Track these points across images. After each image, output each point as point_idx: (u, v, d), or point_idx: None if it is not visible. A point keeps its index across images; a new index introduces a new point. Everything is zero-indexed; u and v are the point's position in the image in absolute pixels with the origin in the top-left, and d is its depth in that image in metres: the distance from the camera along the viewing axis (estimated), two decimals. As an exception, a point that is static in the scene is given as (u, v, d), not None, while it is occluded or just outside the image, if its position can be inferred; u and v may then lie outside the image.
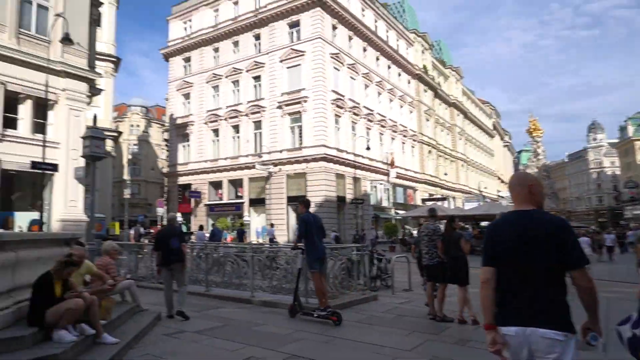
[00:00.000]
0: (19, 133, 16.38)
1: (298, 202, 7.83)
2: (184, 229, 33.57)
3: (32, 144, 15.90)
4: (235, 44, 36.57)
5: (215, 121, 36.59)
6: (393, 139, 41.66)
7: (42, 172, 15.65)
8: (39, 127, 16.61)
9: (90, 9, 18.90)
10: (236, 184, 35.08)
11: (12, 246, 5.03)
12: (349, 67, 35.18)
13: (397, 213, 39.45)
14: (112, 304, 5.85)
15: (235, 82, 36.06)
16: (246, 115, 34.73)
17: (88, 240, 11.40)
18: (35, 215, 16.13)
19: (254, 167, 32.55)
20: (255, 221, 33.15)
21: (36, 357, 4.12)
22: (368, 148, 33.72)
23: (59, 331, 4.61)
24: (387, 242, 31.24)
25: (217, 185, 36.21)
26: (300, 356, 5.12)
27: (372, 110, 37.85)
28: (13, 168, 15.92)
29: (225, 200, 35.41)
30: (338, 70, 33.79)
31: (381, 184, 37.65)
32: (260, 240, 29.75)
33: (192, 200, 36.53)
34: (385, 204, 38.35)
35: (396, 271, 11.10)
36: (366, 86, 37.87)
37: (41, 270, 4.96)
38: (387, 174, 38.01)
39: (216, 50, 37.70)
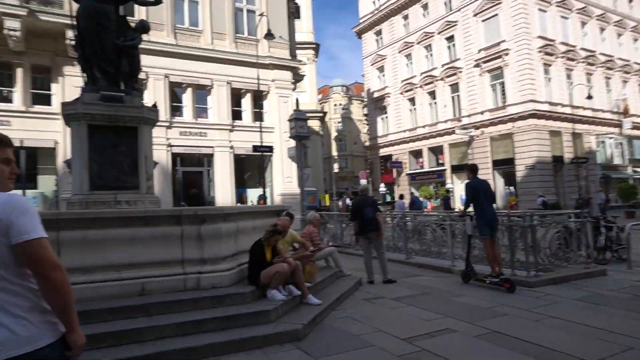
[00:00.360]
0: (244, 122, 19.40)
1: (465, 168, 7.80)
2: (388, 198, 34.73)
3: (253, 131, 18.58)
4: (425, 7, 35.18)
5: (411, 90, 36.23)
6: (625, 82, 33.98)
7: (262, 154, 18.15)
8: (257, 115, 19.33)
9: (288, 4, 20.75)
10: (436, 151, 34.27)
11: (234, 218, 5.96)
12: (557, 5, 29.91)
13: (635, 171, 32.40)
14: (315, 269, 6.39)
15: (428, 47, 34.83)
16: (441, 79, 33.30)
17: (302, 211, 12.80)
18: (261, 191, 18.99)
19: (453, 132, 31.14)
20: (458, 188, 31.89)
21: (253, 310, 4.81)
22: (590, 97, 28.29)
23: (271, 291, 5.27)
24: (623, 207, 25.95)
25: (417, 154, 36.07)
26: (500, 333, 4.64)
27: (592, 52, 31.50)
28: (242, 152, 19.00)
29: (426, 169, 35.05)
30: (544, 11, 29.08)
31: (611, 137, 31.42)
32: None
33: (394, 170, 37.31)
34: (617, 161, 31.95)
35: (635, 242, 9.07)
36: (583, 23, 31.64)
37: (257, 238, 5.75)
38: (619, 125, 31.40)
39: (405, 17, 37.02)
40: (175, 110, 18.43)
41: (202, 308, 4.79)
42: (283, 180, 19.50)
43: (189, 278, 5.19)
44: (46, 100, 16.07)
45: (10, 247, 1.52)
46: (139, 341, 4.12)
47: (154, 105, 7.30)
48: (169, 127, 17.60)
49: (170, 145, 17.67)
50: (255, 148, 17.58)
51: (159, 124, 16.64)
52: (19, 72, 15.59)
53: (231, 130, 18.93)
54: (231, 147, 18.85)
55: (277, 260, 5.47)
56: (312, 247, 7.07)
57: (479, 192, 6.93)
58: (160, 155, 17.18)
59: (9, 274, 1.54)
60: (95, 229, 4.87)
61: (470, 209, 7.24)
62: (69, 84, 15.31)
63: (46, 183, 16.08)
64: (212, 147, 18.58)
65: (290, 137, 13.58)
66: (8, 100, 15.69)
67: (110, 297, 4.71)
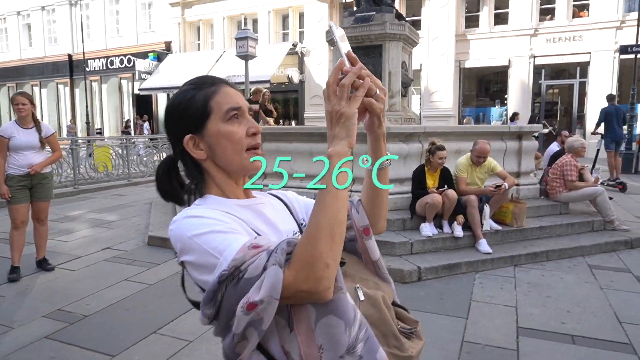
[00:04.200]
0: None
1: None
2: None
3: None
4: None
5: None
6: None
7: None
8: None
9: None
10: None
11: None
12: None
13: None
14: (521, 210, 4.83)
15: None
16: None
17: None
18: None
19: None
20: None
21: (401, 241, 4.43)
22: None
23: (424, 223, 4.61)
24: None
25: None
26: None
27: None
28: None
29: None
30: None
31: None
32: None
33: None
34: None
35: None
36: None
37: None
38: None
39: None
40: (544, 13, 15.90)
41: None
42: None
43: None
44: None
45: None
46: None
47: (400, 18, 7.07)
48: (533, 35, 15.58)
49: (533, 56, 15.70)
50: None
51: (520, 33, 15.39)
52: None
53: (619, 28, 14.60)
54: (616, 51, 14.64)
55: (432, 190, 4.63)
56: (573, 181, 5.36)
57: (612, 116, 9.35)
58: (521, 67, 15.70)
59: None
60: (286, 141, 5.75)
61: None
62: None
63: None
64: (588, 52, 15.09)
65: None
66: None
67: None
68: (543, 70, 16.03)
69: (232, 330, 0.78)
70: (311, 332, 0.81)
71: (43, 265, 4.44)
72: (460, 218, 4.57)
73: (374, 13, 7.06)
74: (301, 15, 18.45)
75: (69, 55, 22.67)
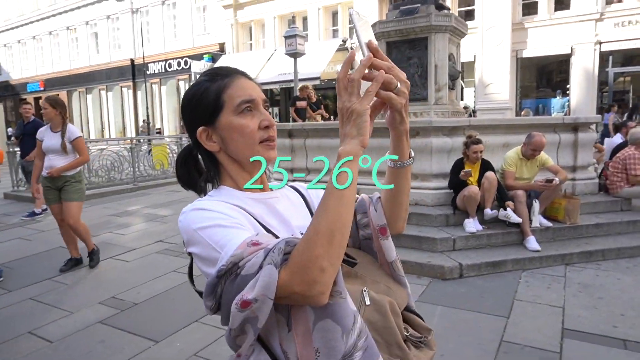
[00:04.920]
0: None
1: None
2: None
3: None
4: None
5: None
6: None
7: None
8: None
9: None
10: None
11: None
12: None
13: None
14: (574, 205, 4.54)
15: None
16: None
17: None
18: None
19: None
20: None
21: (443, 237, 4.34)
22: None
23: (467, 219, 4.47)
24: None
25: None
26: None
27: None
28: None
29: None
30: None
31: None
32: None
33: None
34: None
35: None
36: None
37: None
38: None
39: None
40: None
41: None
42: None
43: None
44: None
45: None
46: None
47: (440, 8, 6.86)
48: (599, 20, 14.53)
49: (599, 43, 14.65)
50: None
51: (584, 18, 14.41)
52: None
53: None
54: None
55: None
56: (637, 175, 4.97)
57: None
58: (585, 55, 14.71)
59: None
60: (328, 137, 5.77)
61: None
62: None
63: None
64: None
65: None
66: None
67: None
68: (611, 57, 14.91)
69: (230, 324, 0.78)
70: (308, 334, 0.79)
71: (72, 264, 4.53)
72: (511, 204, 4.36)
73: (419, 5, 6.91)
74: (351, 11, 18.38)
75: (132, 60, 24.00)
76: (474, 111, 14.75)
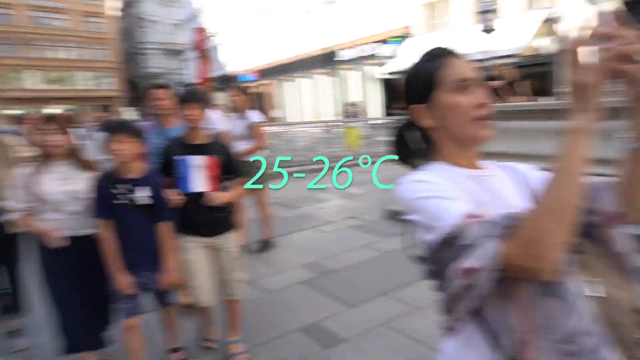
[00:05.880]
0: None
1: None
2: None
3: None
4: None
5: None
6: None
7: None
8: None
9: None
10: None
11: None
12: None
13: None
14: None
15: None
16: None
17: None
18: None
19: None
20: None
21: None
22: None
23: None
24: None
25: None
26: None
27: None
28: None
29: None
30: None
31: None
32: None
33: None
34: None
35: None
36: None
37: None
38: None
39: None
40: None
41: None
42: None
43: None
44: None
45: None
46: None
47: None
48: None
49: None
50: None
51: None
52: None
53: None
54: None
55: None
56: None
57: None
58: None
59: None
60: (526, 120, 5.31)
61: None
62: None
63: None
64: None
65: None
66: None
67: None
68: None
69: (446, 289, 0.82)
70: (528, 309, 0.81)
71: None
72: None
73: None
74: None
75: (326, 49, 25.81)
76: None
